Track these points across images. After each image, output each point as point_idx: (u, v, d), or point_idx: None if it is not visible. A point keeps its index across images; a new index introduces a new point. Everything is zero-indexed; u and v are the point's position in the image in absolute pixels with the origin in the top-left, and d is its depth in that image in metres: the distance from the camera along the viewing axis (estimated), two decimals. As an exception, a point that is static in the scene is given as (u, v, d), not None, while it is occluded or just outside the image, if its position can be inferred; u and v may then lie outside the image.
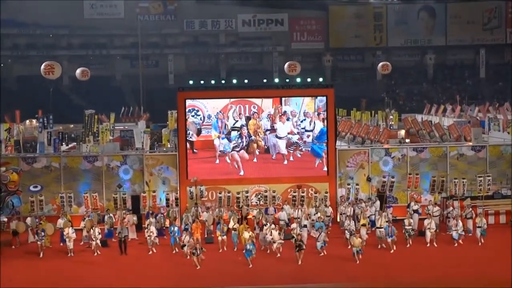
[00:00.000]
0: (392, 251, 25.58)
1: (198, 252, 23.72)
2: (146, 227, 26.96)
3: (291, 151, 31.11)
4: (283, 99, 31.13)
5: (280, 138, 31.05)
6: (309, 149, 31.30)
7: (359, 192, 30.63)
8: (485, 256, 25.23)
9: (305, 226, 26.73)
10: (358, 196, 30.39)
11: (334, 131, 31.56)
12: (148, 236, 26.45)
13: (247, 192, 29.99)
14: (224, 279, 22.89)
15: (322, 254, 25.24)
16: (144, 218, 28.95)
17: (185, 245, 25.02)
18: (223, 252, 26.38)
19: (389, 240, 25.88)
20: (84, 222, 27.60)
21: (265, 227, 26.30)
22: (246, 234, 24.61)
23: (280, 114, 30.99)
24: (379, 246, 26.41)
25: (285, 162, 30.99)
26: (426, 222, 27.20)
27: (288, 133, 31.06)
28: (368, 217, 28.61)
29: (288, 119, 31.07)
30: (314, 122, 31.30)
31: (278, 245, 25.36)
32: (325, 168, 31.08)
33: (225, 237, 26.52)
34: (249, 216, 29.02)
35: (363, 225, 26.99)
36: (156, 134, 41.48)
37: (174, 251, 26.20)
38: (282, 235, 25.88)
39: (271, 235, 25.63)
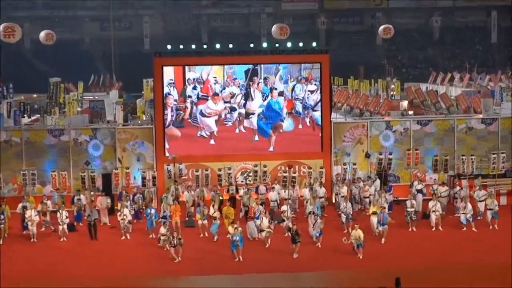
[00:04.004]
0: (383, 241, 25.05)
1: (175, 243, 23.35)
2: (120, 209, 26.74)
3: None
4: (186, 67, 30.97)
5: (208, 116, 31.15)
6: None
7: (357, 170, 30.61)
8: (495, 241, 25.21)
9: (312, 213, 25.98)
10: (356, 174, 30.36)
11: (329, 102, 31.50)
12: (122, 219, 26.26)
13: (229, 169, 29.78)
14: (204, 268, 22.86)
15: (318, 245, 24.77)
16: (117, 199, 28.88)
17: (161, 238, 24.61)
18: (204, 238, 26.26)
19: (380, 228, 25.32)
20: (40, 206, 27.24)
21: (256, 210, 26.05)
22: (231, 229, 24.01)
23: (213, 94, 30.99)
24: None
25: (212, 141, 31.16)
26: (431, 204, 27.18)
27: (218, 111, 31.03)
28: (367, 197, 28.64)
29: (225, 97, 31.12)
30: (254, 93, 31.15)
31: (267, 234, 24.89)
32: (271, 148, 31.19)
33: (205, 221, 26.31)
34: (237, 197, 29.06)
35: (374, 213, 26.09)
36: (130, 105, 41.31)
37: (150, 236, 26.07)
38: (273, 222, 25.53)
39: (260, 221, 25.32)
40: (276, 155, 31.04)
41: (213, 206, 26.61)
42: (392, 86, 52.59)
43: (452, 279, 21.30)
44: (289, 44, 34.62)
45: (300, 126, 31.50)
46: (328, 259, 23.68)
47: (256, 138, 31.30)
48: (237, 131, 31.28)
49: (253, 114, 31.22)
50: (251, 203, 27.28)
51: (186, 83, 31.08)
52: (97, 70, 63.03)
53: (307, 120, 31.61)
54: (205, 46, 41.65)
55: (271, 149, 31.24)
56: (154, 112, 31.41)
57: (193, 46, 34.01)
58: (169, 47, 33.37)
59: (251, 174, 30.59)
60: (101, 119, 38.89)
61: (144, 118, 35.77)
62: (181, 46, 33.60)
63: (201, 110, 31.09)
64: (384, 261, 23.35)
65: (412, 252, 24.31)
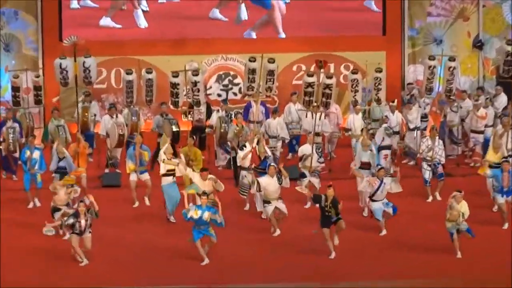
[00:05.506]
0: (505, 226, 25.10)
1: (83, 225, 22.65)
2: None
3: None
4: None
5: None
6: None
7: (457, 74, 29.70)
8: None
9: (379, 166, 25.97)
10: (455, 83, 29.42)
11: None
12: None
13: (196, 72, 29.19)
14: (145, 273, 22.74)
15: (383, 232, 24.74)
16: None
17: (58, 210, 24.16)
18: (143, 207, 26.27)
19: (501, 201, 25.17)
20: None
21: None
22: (195, 186, 23.97)
23: None
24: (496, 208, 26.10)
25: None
26: None
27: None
28: (480, 131, 29.04)
29: None
30: None
31: (282, 210, 24.59)
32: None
33: (146, 175, 26.62)
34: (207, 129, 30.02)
35: (494, 166, 25.98)
36: None
37: (31, 205, 26.68)
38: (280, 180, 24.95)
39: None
40: (287, 43, 31.71)
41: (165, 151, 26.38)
42: None
43: None
44: None
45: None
46: (397, 257, 23.50)
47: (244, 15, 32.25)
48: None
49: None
50: (259, 147, 27.01)
51: None
52: None
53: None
54: None
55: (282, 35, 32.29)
56: None
57: None
58: None
59: (237, 80, 30.03)
60: None
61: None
62: None
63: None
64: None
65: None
